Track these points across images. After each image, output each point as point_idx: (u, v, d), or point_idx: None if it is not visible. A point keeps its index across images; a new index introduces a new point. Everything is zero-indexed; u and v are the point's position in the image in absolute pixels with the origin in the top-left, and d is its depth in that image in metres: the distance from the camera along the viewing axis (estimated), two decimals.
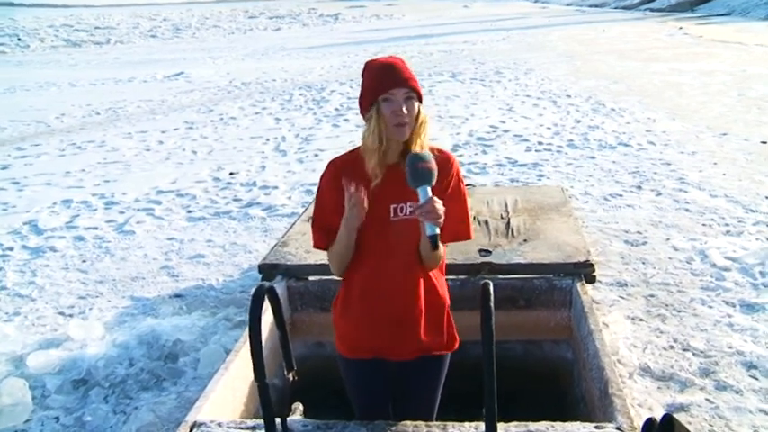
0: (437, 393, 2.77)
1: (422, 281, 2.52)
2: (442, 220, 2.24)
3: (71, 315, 4.91)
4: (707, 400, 3.57)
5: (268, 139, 10.70)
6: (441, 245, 2.39)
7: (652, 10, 40.34)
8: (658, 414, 3.39)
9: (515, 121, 11.06)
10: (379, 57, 2.51)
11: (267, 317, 3.84)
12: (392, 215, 2.42)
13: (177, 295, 5.15)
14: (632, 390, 3.60)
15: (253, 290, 2.39)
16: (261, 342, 2.43)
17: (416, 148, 2.36)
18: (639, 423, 2.59)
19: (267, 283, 2.53)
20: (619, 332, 4.21)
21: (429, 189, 2.24)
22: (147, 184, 8.36)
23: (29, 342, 4.43)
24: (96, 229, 6.82)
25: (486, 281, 2.37)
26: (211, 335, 4.21)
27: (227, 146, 10.44)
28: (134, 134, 11.63)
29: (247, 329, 3.60)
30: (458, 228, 2.50)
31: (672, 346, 4.09)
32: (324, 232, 2.54)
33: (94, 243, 6.42)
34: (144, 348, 4.08)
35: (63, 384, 3.88)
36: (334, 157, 2.59)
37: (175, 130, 11.86)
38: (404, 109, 2.32)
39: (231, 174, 8.70)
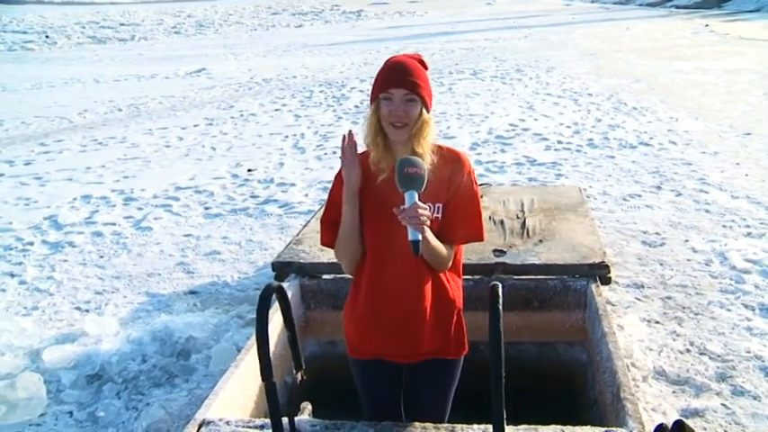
0: (447, 397, 2.74)
1: (430, 282, 2.49)
2: (425, 227, 2.22)
3: (87, 310, 4.95)
4: (723, 405, 3.52)
5: (287, 136, 10.73)
6: (446, 248, 2.39)
7: (677, 7, 39.91)
8: (672, 419, 3.35)
9: (535, 119, 10.99)
10: (400, 53, 2.49)
11: (275, 315, 3.86)
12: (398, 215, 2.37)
13: (192, 292, 5.17)
14: (646, 394, 3.56)
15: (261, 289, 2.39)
16: (268, 341, 2.42)
17: (418, 150, 2.33)
18: (652, 428, 2.56)
19: (275, 283, 2.52)
20: (634, 335, 4.16)
21: (416, 194, 2.22)
22: (165, 180, 8.41)
23: (45, 337, 4.48)
24: (114, 225, 6.87)
25: (496, 283, 2.35)
26: (224, 332, 4.23)
27: (246, 142, 10.47)
28: (154, 130, 11.71)
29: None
30: (470, 229, 2.48)
31: (688, 350, 4.04)
32: (332, 229, 2.53)
33: (112, 239, 6.47)
34: (157, 345, 4.10)
35: (77, 379, 3.91)
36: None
37: (195, 126, 11.93)
38: (400, 110, 2.30)
39: (249, 170, 8.73)
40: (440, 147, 2.43)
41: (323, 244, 2.66)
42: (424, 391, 2.71)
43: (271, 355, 3.57)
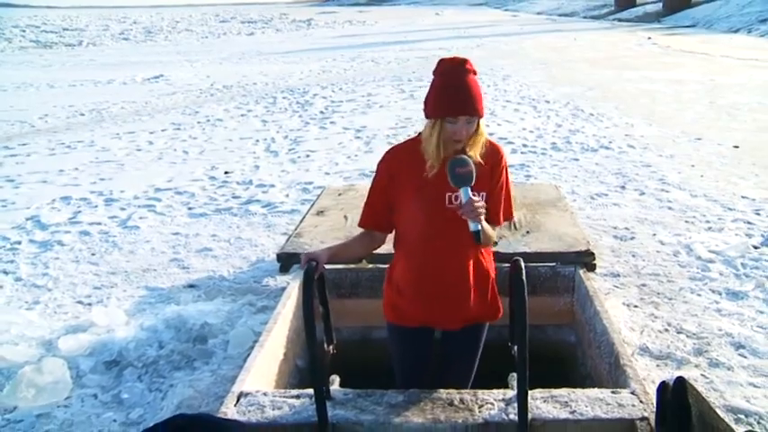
0: (475, 361, 3.04)
1: (471, 260, 2.80)
2: (482, 217, 2.51)
3: (90, 304, 5.07)
4: (702, 375, 3.89)
5: (258, 140, 10.89)
6: (491, 228, 2.70)
7: (620, 20, 41.26)
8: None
9: (498, 124, 11.39)
10: (451, 57, 2.63)
11: (291, 301, 4.09)
12: (447, 203, 2.65)
13: (191, 285, 5.34)
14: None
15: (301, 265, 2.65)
16: (314, 316, 2.67)
17: (471, 153, 2.60)
18: (651, 390, 2.89)
19: (314, 262, 2.76)
20: (618, 316, 4.51)
21: (469, 190, 2.51)
22: (143, 182, 8.50)
23: (55, 327, 4.59)
24: (100, 224, 6.96)
25: (518, 258, 2.67)
26: (237, 318, 4.43)
27: (217, 146, 10.60)
28: (122, 135, 11.72)
29: (276, 311, 3.86)
30: (507, 212, 2.83)
31: (666, 330, 4.41)
32: (370, 213, 2.85)
33: (101, 237, 6.57)
34: (172, 332, 4.27)
35: (96, 365, 4.06)
36: (394, 144, 2.87)
37: (163, 130, 11.98)
38: (464, 132, 2.54)
39: (226, 173, 8.88)
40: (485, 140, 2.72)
41: (359, 224, 2.95)
42: (456, 355, 2.99)
43: (293, 332, 3.85)
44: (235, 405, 2.99)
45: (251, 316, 4.47)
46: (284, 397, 3.05)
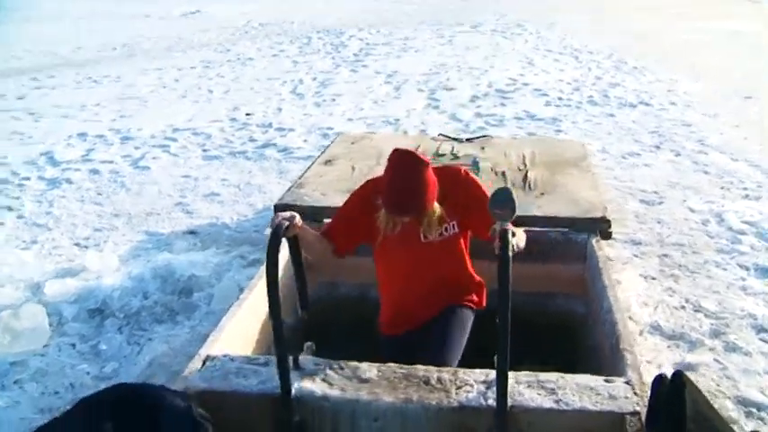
0: (455, 340, 2.84)
1: (448, 296, 2.88)
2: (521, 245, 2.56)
3: (87, 246, 4.95)
4: (716, 360, 3.59)
5: (285, 82, 10.62)
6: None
7: None
8: (667, 372, 3.42)
9: (535, 74, 10.90)
10: (401, 151, 2.62)
11: (282, 257, 3.87)
12: (422, 238, 2.68)
13: (191, 232, 5.18)
14: (641, 347, 3.61)
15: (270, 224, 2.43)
16: (277, 279, 2.45)
17: (430, 229, 2.72)
18: (649, 379, 2.62)
19: (286, 222, 2.53)
20: (631, 289, 4.21)
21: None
22: (162, 120, 8.33)
23: (46, 270, 4.49)
24: (112, 162, 6.83)
25: (506, 228, 2.40)
26: (225, 272, 4.25)
27: (243, 86, 10.36)
28: (150, 71, 11.55)
29: (264, 266, 3.63)
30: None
31: (683, 306, 4.10)
32: (334, 227, 2.86)
33: (110, 177, 6.44)
34: (158, 282, 4.12)
35: (79, 313, 3.94)
36: (378, 177, 2.80)
37: (192, 68, 11.78)
38: (408, 222, 2.68)
39: (247, 114, 8.66)
40: (439, 169, 2.74)
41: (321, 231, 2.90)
42: (435, 333, 2.80)
43: (279, 291, 3.60)
44: (199, 369, 2.80)
45: (240, 270, 4.28)
46: (252, 364, 2.85)
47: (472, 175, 2.83)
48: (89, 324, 3.87)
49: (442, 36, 14.83)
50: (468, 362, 2.86)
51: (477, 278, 2.96)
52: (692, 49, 13.27)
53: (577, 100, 9.27)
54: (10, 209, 5.67)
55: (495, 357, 2.50)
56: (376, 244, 2.81)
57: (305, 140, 7.50)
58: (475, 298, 2.94)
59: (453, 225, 2.73)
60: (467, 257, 2.92)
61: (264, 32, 15.72)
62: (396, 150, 2.62)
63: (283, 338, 2.54)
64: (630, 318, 3.81)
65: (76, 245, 5.00)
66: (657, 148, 7.21)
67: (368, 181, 2.85)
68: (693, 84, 10.32)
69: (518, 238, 2.54)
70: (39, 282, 4.29)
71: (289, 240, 2.59)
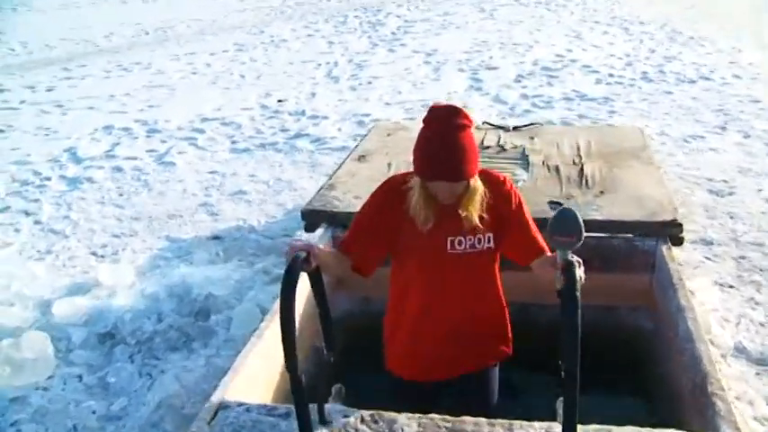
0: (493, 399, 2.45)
1: (479, 303, 2.37)
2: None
3: (103, 256, 4.63)
4: None
5: (320, 64, 10.16)
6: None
7: None
8: (760, 409, 2.92)
9: (584, 49, 10.26)
10: (442, 106, 2.16)
11: (304, 277, 3.44)
12: (449, 247, 2.22)
13: (215, 237, 4.80)
14: (727, 378, 3.10)
15: (286, 258, 2.00)
16: (294, 327, 2.03)
17: (464, 213, 2.18)
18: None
19: (303, 253, 2.10)
20: (707, 302, 3.69)
21: (569, 253, 1.99)
22: (191, 110, 7.97)
23: (57, 286, 4.16)
24: (136, 159, 6.50)
25: (574, 259, 1.95)
26: (247, 290, 3.83)
27: (276, 70, 9.95)
28: (182, 56, 11.22)
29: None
30: (533, 252, 2.29)
31: None
32: (352, 240, 2.33)
33: (133, 175, 6.10)
34: (174, 302, 3.74)
35: (88, 337, 3.59)
36: (396, 174, 2.38)
37: (224, 51, 11.42)
38: (448, 194, 2.16)
39: (279, 101, 8.25)
40: (483, 172, 2.23)
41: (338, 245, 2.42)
42: (467, 404, 2.39)
43: (306, 319, 3.12)
44: (209, 423, 2.40)
45: (263, 287, 3.85)
46: (272, 415, 2.44)
47: (516, 188, 2.32)
48: (98, 351, 3.50)
49: (483, 10, 14.18)
50: None
51: (506, 311, 2.48)
52: (756, 14, 12.36)
53: (630, 77, 8.63)
54: (27, 213, 5.38)
55: (559, 406, 2.07)
56: (395, 252, 2.33)
57: (339, 129, 7.06)
58: (506, 350, 2.49)
59: (489, 238, 2.26)
60: (500, 286, 2.43)
61: (300, 12, 15.26)
62: (434, 106, 2.18)
63: (302, 390, 2.12)
64: (711, 341, 3.29)
65: (93, 254, 4.66)
66: (723, 128, 6.59)
67: (389, 178, 2.36)
68: (759, 53, 9.56)
69: (581, 269, 2.06)
70: (49, 300, 3.95)
71: (310, 275, 2.16)
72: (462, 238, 2.20)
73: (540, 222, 3.65)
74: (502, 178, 2.29)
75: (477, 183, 2.18)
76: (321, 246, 2.49)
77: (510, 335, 2.48)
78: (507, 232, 2.27)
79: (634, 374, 3.59)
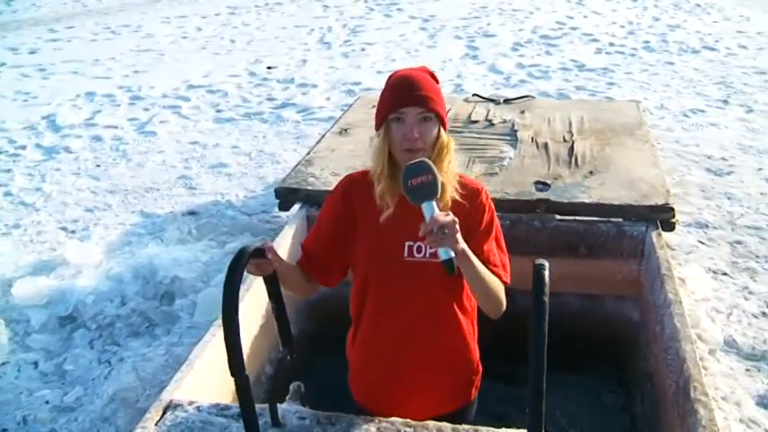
0: None
1: (444, 336, 2.08)
2: (459, 241, 1.75)
3: (74, 231, 4.45)
4: None
5: (313, 29, 9.88)
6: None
7: None
8: (747, 411, 2.76)
9: (585, 16, 9.96)
10: (406, 69, 2.04)
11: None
12: (406, 254, 1.98)
13: (191, 212, 4.62)
14: (715, 375, 2.93)
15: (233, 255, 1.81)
16: (238, 326, 1.84)
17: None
18: None
19: (252, 245, 1.91)
20: (698, 291, 3.51)
21: (433, 203, 1.76)
22: (177, 77, 7.73)
23: (21, 264, 4.00)
24: (116, 128, 6.28)
25: (542, 262, 1.74)
26: (215, 273, 3.64)
27: (268, 35, 9.67)
28: (172, 18, 10.93)
29: (251, 278, 2.99)
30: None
31: (764, 313, 3.39)
32: (309, 253, 2.11)
33: (112, 145, 5.89)
34: (139, 284, 3.57)
35: (48, 321, 3.43)
36: (352, 172, 2.13)
37: (216, 15, 11.12)
38: (415, 132, 1.88)
39: (269, 68, 8.00)
40: (460, 177, 2.00)
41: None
42: None
43: (271, 312, 2.91)
44: (156, 424, 2.25)
45: None
46: (223, 415, 2.28)
47: (491, 201, 2.05)
48: (57, 335, 3.35)
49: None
50: None
51: (474, 348, 2.16)
52: None
53: (632, 46, 8.36)
54: None
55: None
56: (352, 257, 2.10)
57: (327, 98, 6.83)
58: (464, 395, 2.19)
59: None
60: (472, 314, 2.14)
61: None
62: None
63: (249, 392, 1.95)
64: (699, 336, 3.12)
65: (63, 229, 4.48)
66: (725, 102, 6.37)
67: (345, 176, 2.14)
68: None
69: (477, 272, 1.88)
70: (10, 278, 3.79)
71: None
72: (422, 245, 1.96)
73: (522, 204, 3.51)
74: (479, 188, 2.04)
75: (447, 139, 1.96)
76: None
77: (475, 377, 2.20)
78: (470, 246, 1.94)
79: (618, 369, 3.44)
